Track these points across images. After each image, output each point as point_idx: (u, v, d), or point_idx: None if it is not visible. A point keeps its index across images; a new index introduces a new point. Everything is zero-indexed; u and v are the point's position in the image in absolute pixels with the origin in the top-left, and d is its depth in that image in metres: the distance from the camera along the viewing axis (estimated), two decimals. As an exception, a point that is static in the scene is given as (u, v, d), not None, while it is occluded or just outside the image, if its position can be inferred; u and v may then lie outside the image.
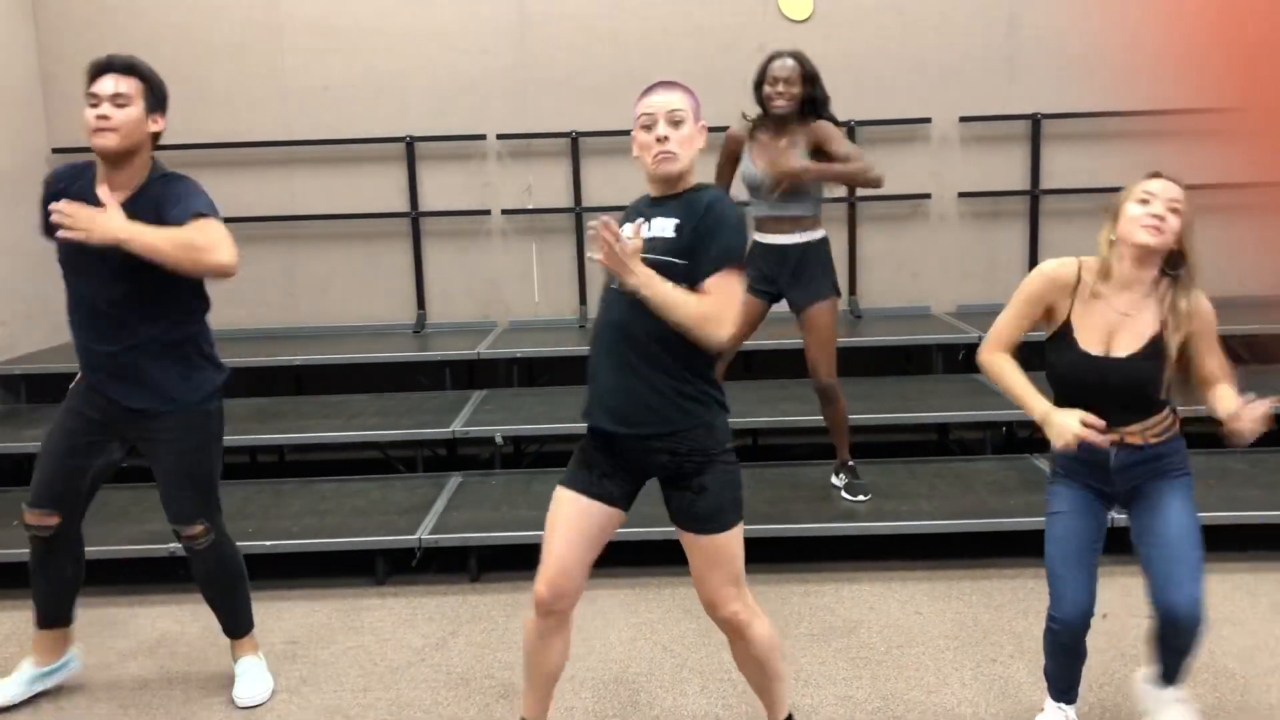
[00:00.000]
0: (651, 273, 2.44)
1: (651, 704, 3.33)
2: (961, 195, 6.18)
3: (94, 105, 3.04)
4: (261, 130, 6.18)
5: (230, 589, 3.41)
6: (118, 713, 3.38)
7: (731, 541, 2.63)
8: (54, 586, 3.35)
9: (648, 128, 2.53)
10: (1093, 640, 3.57)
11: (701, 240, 2.50)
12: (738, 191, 4.09)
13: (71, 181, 3.13)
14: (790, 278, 4.23)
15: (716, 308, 2.46)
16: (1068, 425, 2.60)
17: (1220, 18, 1.55)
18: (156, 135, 3.13)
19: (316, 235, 6.28)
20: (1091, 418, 2.60)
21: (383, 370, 5.82)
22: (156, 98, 3.12)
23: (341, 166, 6.23)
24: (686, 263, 2.50)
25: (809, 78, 4.15)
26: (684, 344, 2.51)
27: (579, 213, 6.20)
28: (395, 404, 5.48)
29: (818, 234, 4.25)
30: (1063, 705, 2.96)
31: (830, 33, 6.07)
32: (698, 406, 2.58)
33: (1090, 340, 2.68)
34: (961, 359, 5.78)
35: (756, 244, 4.23)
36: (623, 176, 6.12)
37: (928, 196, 6.18)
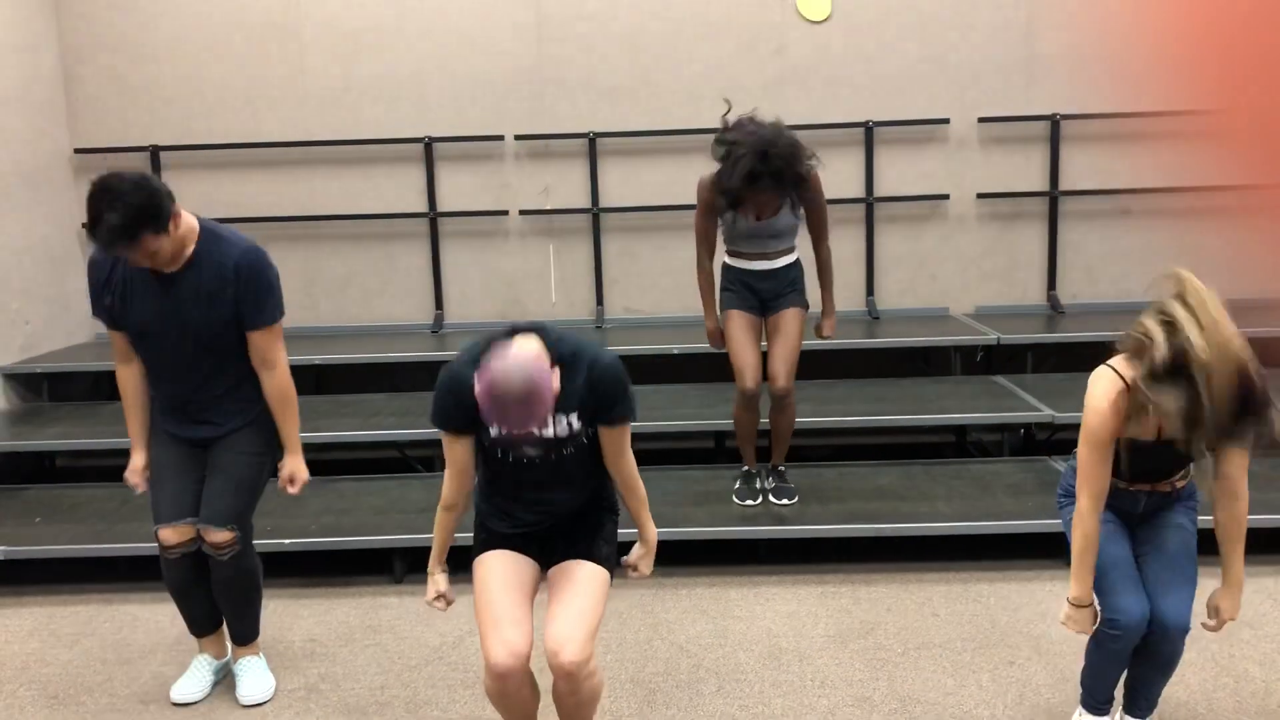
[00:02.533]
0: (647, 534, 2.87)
1: (668, 704, 3.34)
2: (980, 196, 6.15)
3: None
4: (281, 131, 6.21)
5: (245, 599, 3.45)
6: (138, 708, 3.41)
7: (606, 582, 2.74)
8: (207, 591, 3.42)
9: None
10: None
11: (600, 406, 2.64)
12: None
13: (115, 263, 3.17)
14: (774, 289, 4.30)
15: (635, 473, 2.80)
16: (1082, 622, 2.76)
17: (1216, 18, 1.54)
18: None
19: (335, 236, 6.31)
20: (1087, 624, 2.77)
21: (401, 370, 5.84)
22: (162, 214, 2.98)
23: (360, 167, 6.26)
24: (592, 433, 2.69)
25: None
26: (604, 471, 2.79)
27: (596, 213, 6.21)
28: (413, 403, 5.49)
29: (796, 255, 4.32)
30: None
31: (848, 33, 6.06)
32: (614, 511, 2.88)
33: (1145, 432, 2.67)
34: (980, 360, 5.76)
35: (740, 269, 4.29)
36: (640, 177, 6.15)
37: (946, 197, 6.16)
